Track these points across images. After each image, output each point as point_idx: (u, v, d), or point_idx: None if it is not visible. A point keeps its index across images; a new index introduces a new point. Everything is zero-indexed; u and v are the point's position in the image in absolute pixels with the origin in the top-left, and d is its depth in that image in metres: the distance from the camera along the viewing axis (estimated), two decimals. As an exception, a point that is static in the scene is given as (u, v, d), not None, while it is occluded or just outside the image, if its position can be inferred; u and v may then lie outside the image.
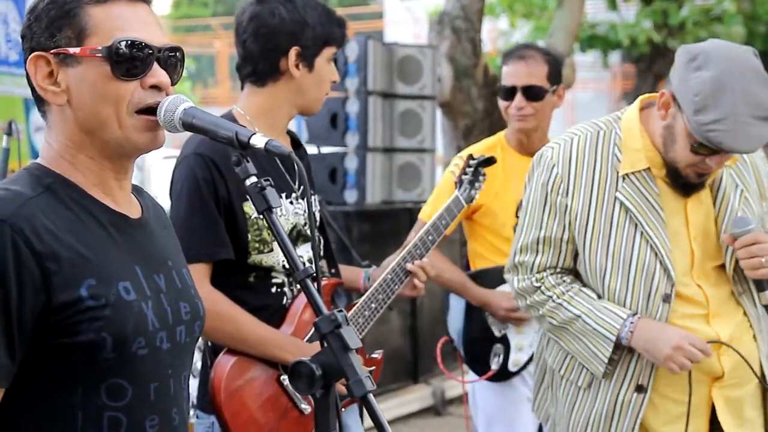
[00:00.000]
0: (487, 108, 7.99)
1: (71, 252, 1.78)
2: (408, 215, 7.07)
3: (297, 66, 3.00)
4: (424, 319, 7.18)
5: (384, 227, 6.90)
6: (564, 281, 3.07)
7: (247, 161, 1.80)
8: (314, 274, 1.76)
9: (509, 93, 4.02)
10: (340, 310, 1.73)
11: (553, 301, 3.06)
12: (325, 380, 1.72)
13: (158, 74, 1.87)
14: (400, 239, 7.08)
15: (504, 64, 4.09)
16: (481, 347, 4.07)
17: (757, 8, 14.59)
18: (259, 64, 3.01)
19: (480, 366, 4.08)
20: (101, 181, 1.90)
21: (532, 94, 4.00)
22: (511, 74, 4.03)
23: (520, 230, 3.14)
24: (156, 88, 1.86)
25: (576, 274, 3.10)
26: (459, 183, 3.46)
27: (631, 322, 2.94)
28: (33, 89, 1.89)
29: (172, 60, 1.91)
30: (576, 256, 3.07)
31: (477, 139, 8.12)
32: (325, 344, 1.73)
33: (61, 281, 1.76)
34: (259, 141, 1.78)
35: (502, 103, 4.07)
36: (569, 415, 3.12)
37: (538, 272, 3.09)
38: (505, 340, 4.05)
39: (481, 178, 3.49)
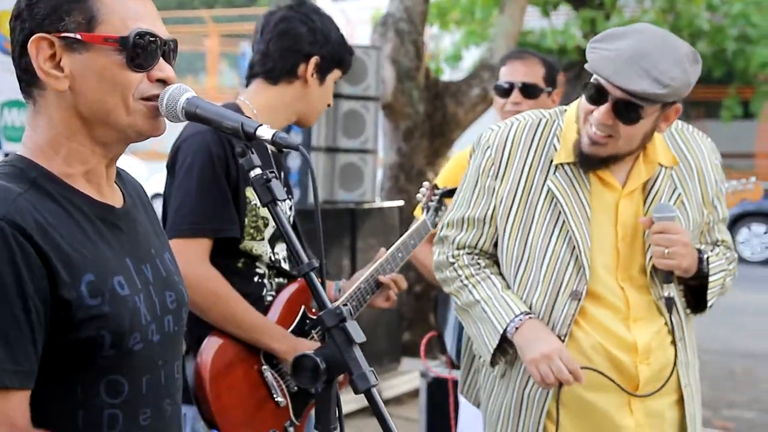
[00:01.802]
0: (428, 110, 8.02)
1: (67, 249, 1.75)
2: (350, 215, 7.07)
3: (312, 75, 3.11)
4: (361, 322, 7.10)
5: (326, 227, 6.87)
6: (477, 264, 3.06)
7: (252, 152, 1.79)
8: (318, 267, 1.75)
9: (506, 90, 4.14)
10: (345, 304, 1.72)
11: (461, 281, 3.07)
12: (328, 374, 1.72)
13: (165, 68, 1.86)
14: (342, 239, 7.13)
15: (502, 65, 4.22)
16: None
17: (679, 21, 14.89)
18: (278, 64, 3.10)
19: None
20: (88, 170, 1.86)
21: (529, 91, 4.11)
22: (509, 72, 4.16)
23: (452, 206, 3.16)
24: (161, 81, 1.85)
25: (495, 261, 3.08)
26: (426, 209, 3.59)
27: (520, 320, 2.92)
28: (24, 71, 1.83)
29: (168, 51, 1.89)
30: (497, 242, 3.05)
31: (418, 141, 8.18)
32: (329, 338, 1.73)
33: (62, 279, 1.73)
34: (265, 132, 1.76)
35: (498, 101, 4.17)
36: (487, 401, 3.15)
37: (457, 249, 3.09)
38: None
39: (443, 207, 3.63)
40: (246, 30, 24.80)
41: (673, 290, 2.94)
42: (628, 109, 2.78)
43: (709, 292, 3.02)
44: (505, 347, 3.00)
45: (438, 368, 5.04)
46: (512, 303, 2.95)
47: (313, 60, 3.10)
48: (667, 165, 2.99)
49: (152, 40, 1.83)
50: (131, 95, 1.82)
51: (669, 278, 2.93)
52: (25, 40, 1.81)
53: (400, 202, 7.58)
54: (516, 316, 2.92)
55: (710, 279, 3.00)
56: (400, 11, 7.90)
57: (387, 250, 3.34)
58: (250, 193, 2.96)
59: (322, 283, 1.75)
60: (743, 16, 15.16)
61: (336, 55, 3.14)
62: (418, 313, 7.99)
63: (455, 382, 4.44)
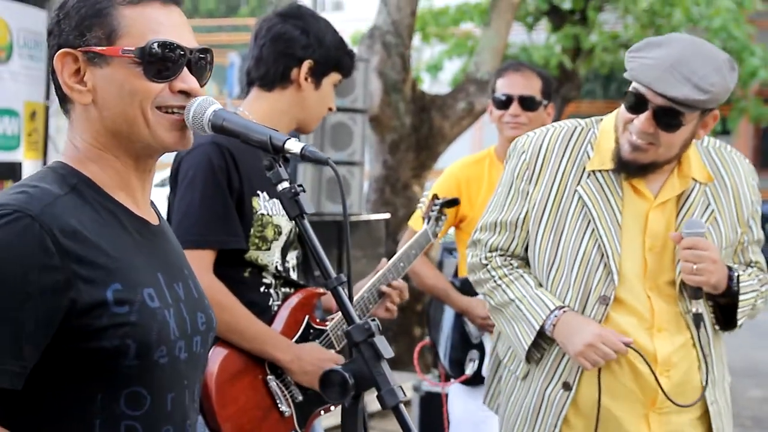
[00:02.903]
0: (414, 123, 8.04)
1: (98, 255, 1.75)
2: (336, 227, 7.05)
3: (306, 79, 3.09)
4: (347, 333, 7.16)
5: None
6: (510, 264, 3.11)
7: (280, 166, 1.78)
8: (346, 281, 1.75)
9: (504, 103, 4.18)
10: (373, 319, 1.72)
11: (494, 281, 3.11)
12: (356, 389, 1.71)
13: (188, 80, 1.84)
14: (328, 251, 7.09)
15: (499, 77, 4.26)
16: (458, 352, 4.22)
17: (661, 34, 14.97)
18: (271, 69, 3.08)
19: (457, 370, 4.22)
20: (125, 182, 1.87)
21: (528, 103, 4.17)
22: (507, 85, 4.21)
23: (486, 210, 3.20)
24: (184, 93, 1.84)
25: (527, 263, 3.12)
26: (427, 219, 3.61)
27: (556, 316, 2.97)
28: (58, 86, 1.86)
29: (201, 63, 1.88)
30: (528, 245, 3.09)
31: (403, 154, 8.20)
32: (357, 353, 1.72)
33: (87, 284, 1.72)
34: (294, 146, 1.76)
35: (495, 113, 4.22)
36: (506, 405, 3.17)
37: (490, 252, 3.14)
38: (481, 347, 4.19)
39: (443, 217, 3.65)
40: (225, 40, 24.77)
41: (701, 306, 2.96)
42: (668, 116, 2.82)
43: (739, 310, 3.03)
44: (539, 342, 3.04)
45: (431, 381, 5.06)
46: (546, 299, 3.01)
47: (306, 64, 3.08)
48: (702, 181, 3.02)
49: (174, 50, 1.82)
50: (149, 105, 1.81)
51: (697, 294, 2.94)
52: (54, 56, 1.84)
53: (387, 215, 7.59)
54: (551, 312, 2.97)
55: (740, 297, 3.02)
56: (387, 24, 7.93)
57: (387, 260, 3.33)
58: (256, 203, 2.96)
59: (350, 298, 1.74)
60: (724, 30, 15.29)
61: (332, 58, 3.11)
62: (403, 326, 7.99)
63: (447, 396, 4.45)
